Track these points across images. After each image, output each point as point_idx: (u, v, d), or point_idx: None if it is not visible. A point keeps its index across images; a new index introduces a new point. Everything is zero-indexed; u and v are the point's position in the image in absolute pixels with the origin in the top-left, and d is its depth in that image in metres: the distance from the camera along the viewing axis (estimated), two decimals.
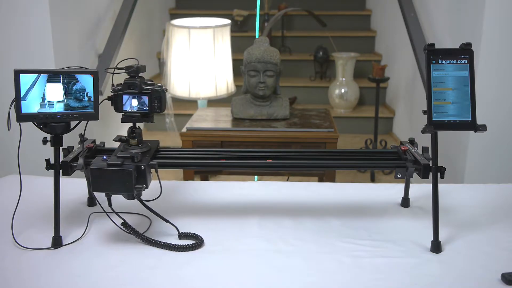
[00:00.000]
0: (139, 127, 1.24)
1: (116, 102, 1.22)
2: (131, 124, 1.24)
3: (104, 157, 1.18)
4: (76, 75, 1.19)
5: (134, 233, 1.22)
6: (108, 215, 1.24)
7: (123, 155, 1.17)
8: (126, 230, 1.23)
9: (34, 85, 1.16)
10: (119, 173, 1.13)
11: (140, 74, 1.23)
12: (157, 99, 1.21)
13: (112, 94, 1.22)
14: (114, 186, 1.15)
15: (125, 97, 1.21)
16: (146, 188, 1.18)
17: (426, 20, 2.94)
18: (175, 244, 1.20)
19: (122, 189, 1.15)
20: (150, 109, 1.22)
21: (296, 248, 1.22)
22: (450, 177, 2.48)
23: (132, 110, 1.22)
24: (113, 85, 1.23)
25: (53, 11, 2.36)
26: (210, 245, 1.23)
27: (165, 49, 2.92)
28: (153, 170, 1.21)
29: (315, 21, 4.08)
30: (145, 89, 1.21)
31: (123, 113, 1.22)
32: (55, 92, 1.18)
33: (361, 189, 1.57)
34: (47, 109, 1.18)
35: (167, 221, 1.27)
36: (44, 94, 1.17)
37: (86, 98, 1.20)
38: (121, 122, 1.23)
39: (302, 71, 4.43)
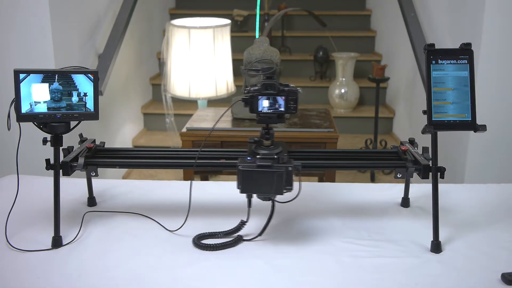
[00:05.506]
0: (272, 128, 1.24)
1: (252, 103, 1.21)
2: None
3: (249, 158, 1.17)
4: (73, 75, 1.18)
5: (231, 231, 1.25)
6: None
7: (267, 156, 1.17)
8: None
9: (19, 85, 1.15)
10: (269, 175, 1.13)
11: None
12: (293, 99, 1.20)
13: (248, 95, 1.22)
14: (263, 187, 1.15)
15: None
16: (292, 189, 1.17)
17: (426, 20, 2.94)
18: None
19: (272, 190, 1.15)
20: (286, 109, 1.21)
21: (296, 248, 1.22)
22: (450, 177, 2.48)
23: (265, 111, 1.21)
24: (246, 86, 1.23)
25: (53, 11, 2.36)
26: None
27: (165, 49, 2.92)
28: None
29: (315, 21, 4.08)
30: (282, 89, 1.21)
31: (259, 114, 1.22)
32: (42, 92, 1.17)
33: (361, 189, 1.57)
34: (34, 109, 1.17)
35: (266, 224, 1.26)
36: (31, 94, 1.16)
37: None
38: (257, 123, 1.23)
39: (302, 71, 4.43)
